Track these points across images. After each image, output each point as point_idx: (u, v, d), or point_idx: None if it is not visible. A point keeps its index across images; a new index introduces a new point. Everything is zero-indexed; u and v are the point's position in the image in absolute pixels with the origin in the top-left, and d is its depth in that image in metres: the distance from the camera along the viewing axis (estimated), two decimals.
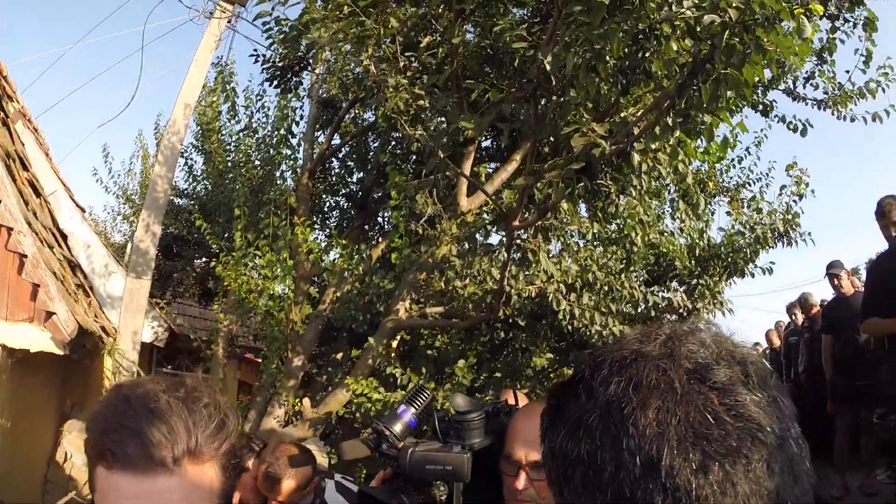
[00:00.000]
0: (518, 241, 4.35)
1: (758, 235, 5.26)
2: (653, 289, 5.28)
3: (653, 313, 5.22)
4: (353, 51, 3.89)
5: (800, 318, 8.97)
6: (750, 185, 7.39)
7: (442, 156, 3.40)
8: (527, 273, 4.51)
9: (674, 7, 3.00)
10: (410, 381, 5.17)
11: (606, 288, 4.92)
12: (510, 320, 5.30)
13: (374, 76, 3.79)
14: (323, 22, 3.88)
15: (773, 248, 5.34)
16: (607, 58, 3.00)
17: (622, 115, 3.60)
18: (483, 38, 6.22)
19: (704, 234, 5.51)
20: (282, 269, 5.97)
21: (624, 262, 5.18)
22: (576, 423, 0.77)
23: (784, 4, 2.65)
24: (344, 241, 6.09)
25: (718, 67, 2.82)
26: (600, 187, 3.68)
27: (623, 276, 5.31)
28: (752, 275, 5.59)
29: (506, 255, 4.07)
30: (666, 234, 5.21)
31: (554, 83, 3.15)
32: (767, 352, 10.82)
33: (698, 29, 2.88)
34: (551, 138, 3.44)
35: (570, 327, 4.64)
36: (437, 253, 5.32)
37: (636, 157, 3.13)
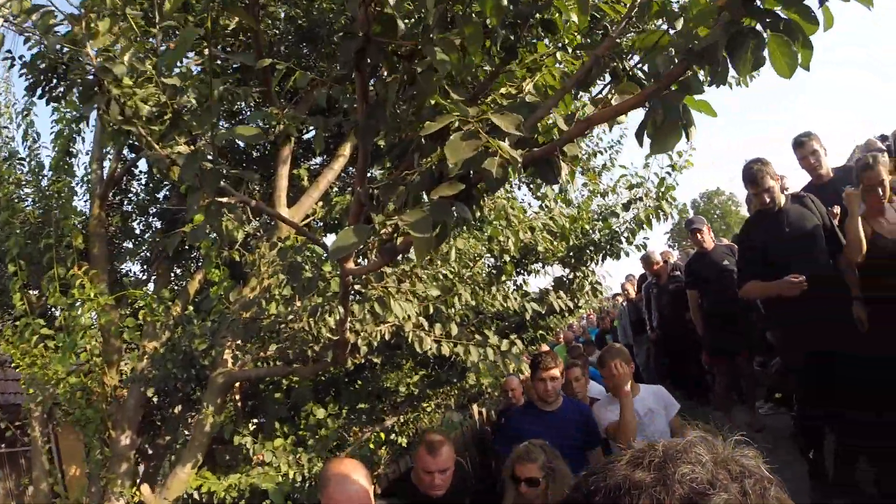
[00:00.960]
0: (357, 287, 3.06)
1: (639, 219, 4.27)
2: (527, 292, 4.25)
3: (527, 316, 4.16)
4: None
5: None
6: (601, 153, 6.59)
7: (207, 200, 1.96)
8: (377, 315, 3.23)
9: None
10: (265, 449, 3.77)
11: (474, 303, 3.78)
12: (364, 361, 4.02)
13: (92, 61, 2.22)
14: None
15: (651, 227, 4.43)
16: None
17: (504, 91, 2.26)
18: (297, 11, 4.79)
19: (578, 222, 4.50)
20: (64, 342, 4.29)
21: (495, 270, 4.07)
22: None
23: None
24: (142, 292, 4.51)
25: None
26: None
27: (495, 288, 4.21)
28: (627, 254, 4.69)
29: (342, 310, 2.78)
30: (537, 228, 4.10)
31: (398, 40, 1.73)
32: (625, 304, 10.51)
33: None
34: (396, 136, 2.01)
35: (436, 355, 3.47)
36: (258, 284, 3.94)
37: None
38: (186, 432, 4.90)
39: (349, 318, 2.81)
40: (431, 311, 3.44)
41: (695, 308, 6.63)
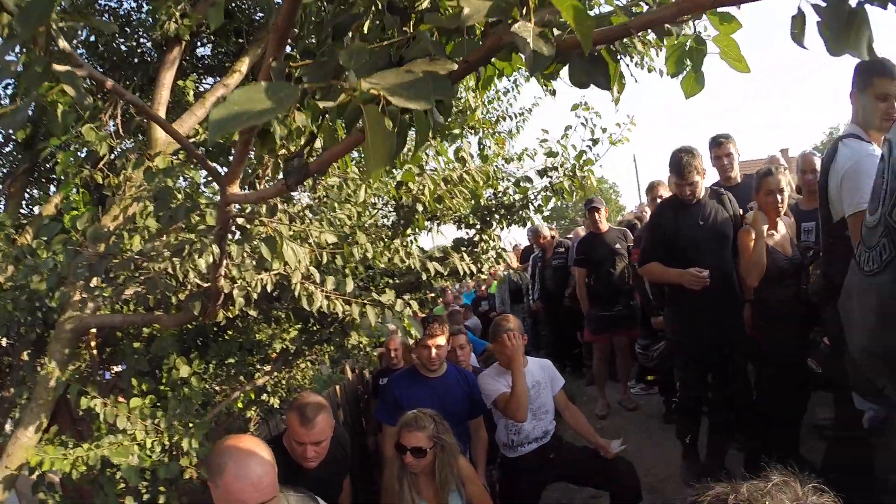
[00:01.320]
0: (241, 222, 2.36)
1: (560, 186, 3.85)
2: (423, 249, 3.75)
3: (424, 276, 3.68)
4: None
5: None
6: (511, 118, 6.20)
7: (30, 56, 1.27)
8: (258, 257, 2.52)
9: None
10: (118, 417, 3.01)
11: (371, 255, 3.22)
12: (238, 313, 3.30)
13: None
14: None
15: (570, 198, 4.06)
16: None
17: None
18: None
19: (492, 181, 4.03)
20: None
21: (401, 221, 3.50)
22: None
23: None
24: None
25: None
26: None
27: (398, 241, 3.67)
28: (532, 221, 4.32)
29: (217, 250, 2.13)
30: (451, 181, 3.57)
31: None
32: (507, 273, 10.38)
33: None
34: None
35: (323, 312, 2.86)
36: (121, 212, 3.17)
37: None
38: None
39: (225, 262, 2.20)
40: (325, 260, 2.87)
41: (581, 285, 6.56)
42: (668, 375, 5.79)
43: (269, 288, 2.61)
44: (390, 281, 4.17)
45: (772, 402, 4.03)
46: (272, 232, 2.05)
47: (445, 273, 3.58)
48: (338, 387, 5.38)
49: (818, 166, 4.64)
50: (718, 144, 4.87)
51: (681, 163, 4.17)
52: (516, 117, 6.37)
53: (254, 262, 2.45)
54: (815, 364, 3.41)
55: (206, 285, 2.54)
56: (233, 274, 2.47)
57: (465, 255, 3.60)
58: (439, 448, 3.08)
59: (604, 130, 3.71)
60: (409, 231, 3.47)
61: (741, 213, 4.44)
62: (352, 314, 2.71)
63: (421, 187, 3.15)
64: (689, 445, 4.61)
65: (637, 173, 39.36)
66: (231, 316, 2.89)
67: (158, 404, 3.26)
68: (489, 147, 4.99)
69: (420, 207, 3.17)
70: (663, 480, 4.66)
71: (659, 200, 5.71)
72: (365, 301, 2.70)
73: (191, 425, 3.17)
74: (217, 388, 4.35)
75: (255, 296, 2.58)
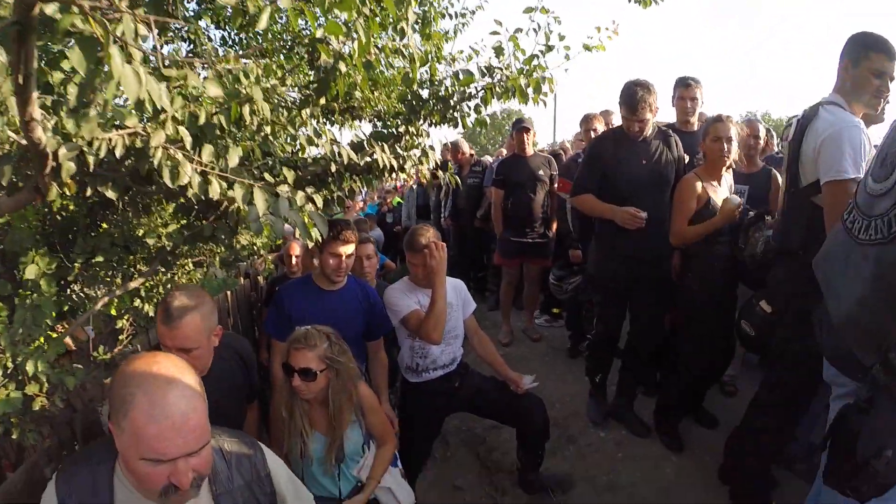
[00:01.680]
0: (50, 10, 1.40)
1: (508, 85, 3.10)
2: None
3: (334, 168, 2.89)
4: None
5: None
6: (451, 17, 5.33)
7: None
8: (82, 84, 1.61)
9: None
10: None
11: (267, 126, 2.39)
12: (95, 196, 2.37)
13: None
14: None
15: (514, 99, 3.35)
16: None
17: None
18: None
19: (430, 63, 3.23)
20: None
21: (313, 87, 2.64)
22: None
23: None
24: None
25: None
26: None
27: (306, 112, 2.82)
28: (465, 123, 3.61)
29: (15, 60, 1.21)
30: (386, 49, 2.73)
31: None
32: (415, 186, 9.63)
33: None
34: None
35: (200, 197, 2.01)
36: None
37: None
38: None
39: (36, 95, 1.33)
40: (202, 119, 2.02)
41: (497, 207, 5.97)
42: (576, 310, 5.44)
43: (118, 151, 1.76)
44: (290, 172, 3.35)
45: (693, 357, 3.74)
46: (97, 30, 1.18)
47: (361, 163, 2.82)
48: (229, 293, 4.58)
49: (762, 133, 4.44)
50: (686, 86, 4.38)
51: (634, 97, 3.68)
52: (456, 17, 5.49)
53: (79, 98, 1.58)
54: (749, 327, 3.08)
55: (23, 142, 1.64)
56: (66, 127, 1.61)
57: (385, 148, 2.86)
58: (333, 371, 2.47)
59: (561, 38, 3.01)
60: (322, 101, 2.65)
61: (686, 158, 4.03)
62: (235, 199, 1.93)
63: (350, 42, 2.33)
64: (598, 384, 4.29)
65: (555, 110, 38.74)
66: (69, 192, 2.01)
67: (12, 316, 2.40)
68: (433, 24, 4.15)
69: (343, 67, 2.36)
70: (567, 417, 4.30)
71: (593, 134, 5.23)
72: (253, 184, 1.92)
73: (41, 341, 2.35)
74: (84, 292, 3.46)
75: (91, 161, 1.72)
